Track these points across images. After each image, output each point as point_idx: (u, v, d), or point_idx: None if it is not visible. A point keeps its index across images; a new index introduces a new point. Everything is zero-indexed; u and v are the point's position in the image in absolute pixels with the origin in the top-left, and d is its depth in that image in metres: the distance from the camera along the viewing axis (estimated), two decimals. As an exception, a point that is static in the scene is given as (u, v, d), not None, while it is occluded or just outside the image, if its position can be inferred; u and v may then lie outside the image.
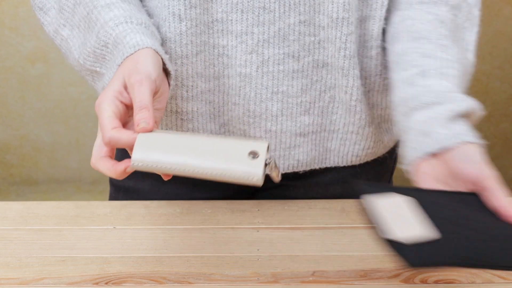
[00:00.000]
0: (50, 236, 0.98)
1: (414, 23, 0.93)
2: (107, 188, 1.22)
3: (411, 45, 0.92)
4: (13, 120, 1.98)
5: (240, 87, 0.96)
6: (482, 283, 0.90)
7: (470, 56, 0.94)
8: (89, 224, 1.00)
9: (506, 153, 2.05)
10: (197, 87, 0.96)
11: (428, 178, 0.83)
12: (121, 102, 0.81)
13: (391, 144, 1.09)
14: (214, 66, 0.96)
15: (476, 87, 1.96)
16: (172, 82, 0.89)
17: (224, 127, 1.00)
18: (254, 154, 0.78)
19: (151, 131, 0.78)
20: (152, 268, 0.92)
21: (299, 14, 0.94)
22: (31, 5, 1.01)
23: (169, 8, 0.92)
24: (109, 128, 0.78)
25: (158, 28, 0.94)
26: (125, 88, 0.82)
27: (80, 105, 1.95)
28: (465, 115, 0.85)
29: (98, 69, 0.92)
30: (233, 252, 0.94)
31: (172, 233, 0.98)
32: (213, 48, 0.95)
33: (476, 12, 0.96)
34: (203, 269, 0.92)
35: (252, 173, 0.77)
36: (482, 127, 2.01)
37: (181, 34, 0.93)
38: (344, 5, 0.92)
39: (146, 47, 0.85)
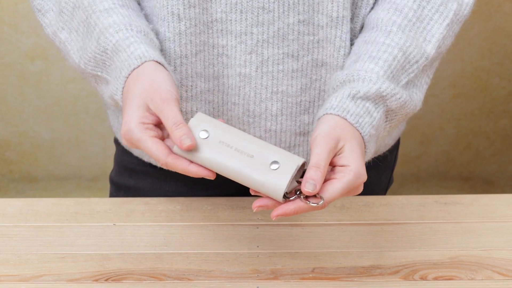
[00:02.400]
0: (49, 233, 0.98)
1: (372, 14, 0.94)
2: (106, 185, 1.22)
3: (363, 35, 0.94)
4: (12, 117, 1.97)
5: (239, 87, 0.96)
6: (482, 279, 0.90)
7: (429, 48, 0.93)
8: (89, 221, 1.00)
9: (506, 149, 2.05)
10: (196, 87, 0.96)
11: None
12: (149, 124, 0.82)
13: (391, 142, 1.09)
14: (213, 66, 0.96)
15: (475, 83, 1.95)
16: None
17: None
18: (276, 164, 0.79)
19: (194, 146, 0.80)
20: (152, 264, 0.92)
21: (298, 14, 0.94)
22: (30, 3, 1.01)
23: (167, 8, 0.92)
24: (165, 155, 0.80)
25: (157, 28, 0.94)
26: (147, 110, 0.83)
27: (79, 102, 1.95)
28: (371, 97, 0.86)
29: (99, 73, 0.92)
30: (233, 248, 0.94)
31: (172, 230, 0.98)
32: (213, 48, 0.95)
33: (452, 6, 0.94)
34: (203, 265, 0.92)
35: (275, 186, 0.78)
36: (482, 123, 2.01)
37: (180, 33, 0.93)
38: (344, 3, 0.92)
39: (152, 60, 0.86)
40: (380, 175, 1.14)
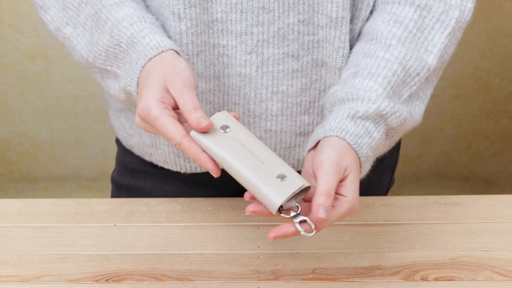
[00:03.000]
0: (50, 233, 0.98)
1: (371, 24, 0.94)
2: (107, 185, 1.22)
3: (361, 45, 0.94)
4: (12, 117, 1.97)
5: (240, 87, 0.96)
6: (482, 280, 0.90)
7: (431, 58, 0.92)
8: (89, 221, 1.00)
9: (506, 150, 2.05)
10: (197, 87, 0.96)
11: (306, 165, 0.85)
12: (167, 104, 0.83)
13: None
14: (214, 66, 0.96)
15: (476, 83, 1.95)
16: None
17: (225, 127, 1.00)
18: (282, 177, 0.79)
19: (211, 127, 0.81)
20: (152, 265, 0.92)
21: (298, 14, 0.94)
22: (31, 2, 1.01)
23: (169, 8, 0.92)
24: (181, 136, 0.81)
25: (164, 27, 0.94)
26: (167, 92, 0.83)
27: (79, 102, 1.95)
28: (371, 116, 0.86)
29: (109, 67, 0.92)
30: (234, 249, 0.94)
31: (172, 231, 0.98)
32: (213, 48, 0.95)
33: (454, 14, 0.94)
34: (203, 266, 0.92)
35: (273, 198, 0.78)
36: (482, 123, 2.01)
37: (181, 33, 0.93)
38: (344, 4, 0.92)
39: (170, 49, 0.87)
40: (381, 176, 1.14)
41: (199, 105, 0.82)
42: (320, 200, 0.78)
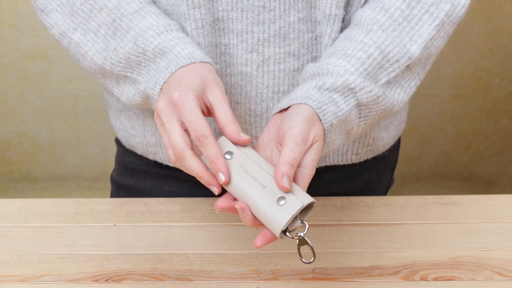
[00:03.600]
0: (49, 233, 0.98)
1: (359, 11, 0.94)
2: (107, 185, 1.22)
3: (345, 31, 0.93)
4: (12, 117, 1.97)
5: (241, 86, 0.96)
6: (482, 280, 0.90)
7: (414, 48, 0.91)
8: (89, 221, 1.00)
9: (506, 150, 2.05)
10: None
11: (270, 126, 0.85)
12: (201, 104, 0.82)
13: (390, 142, 1.09)
14: (216, 64, 0.96)
15: (475, 83, 1.95)
16: None
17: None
18: (282, 200, 0.79)
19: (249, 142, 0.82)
20: (152, 265, 0.92)
21: (298, 12, 0.94)
22: (31, 3, 1.01)
23: (178, 8, 0.93)
24: (208, 132, 0.79)
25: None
26: (203, 94, 0.83)
27: (79, 102, 1.95)
28: (339, 89, 0.85)
29: (129, 74, 0.92)
30: (233, 249, 0.94)
31: (172, 230, 0.98)
32: (216, 47, 0.95)
33: (444, 7, 0.93)
34: (203, 266, 0.92)
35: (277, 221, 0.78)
36: (482, 123, 2.01)
37: (186, 34, 0.92)
38: (338, 2, 0.92)
39: (202, 62, 0.86)
40: (381, 176, 1.14)
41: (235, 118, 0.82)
42: (284, 168, 0.78)
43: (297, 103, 0.84)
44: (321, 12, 0.93)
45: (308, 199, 0.78)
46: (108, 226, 0.99)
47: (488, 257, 0.93)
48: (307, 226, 0.79)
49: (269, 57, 0.95)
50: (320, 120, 0.83)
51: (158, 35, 0.89)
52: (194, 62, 0.86)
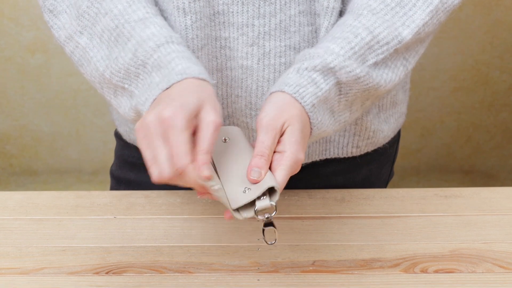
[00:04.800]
0: (50, 226, 0.98)
1: (353, 0, 0.93)
2: (107, 178, 1.22)
3: (340, 19, 0.93)
4: (12, 110, 1.97)
5: (242, 79, 0.96)
6: (482, 272, 0.90)
7: (406, 32, 0.90)
8: (89, 214, 1.00)
9: (507, 143, 2.05)
10: None
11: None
12: (191, 127, 0.78)
13: (390, 134, 1.09)
14: (217, 58, 0.96)
15: (476, 76, 1.95)
16: None
17: (228, 119, 1.00)
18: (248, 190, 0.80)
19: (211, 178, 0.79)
20: (152, 257, 0.92)
21: (299, 5, 0.94)
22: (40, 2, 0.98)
23: (173, 2, 0.92)
24: (189, 160, 0.76)
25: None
26: (195, 116, 0.78)
27: (80, 96, 1.95)
28: (318, 68, 0.85)
29: (127, 85, 0.88)
30: (234, 241, 0.94)
31: (172, 223, 0.98)
32: (216, 41, 0.95)
33: None
34: (203, 258, 0.92)
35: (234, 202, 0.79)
36: (482, 117, 2.01)
37: (186, 28, 0.92)
38: None
39: (195, 78, 0.82)
40: (381, 168, 1.14)
41: (211, 149, 0.78)
42: (253, 161, 0.79)
43: (274, 91, 0.84)
44: (320, 4, 0.93)
45: (270, 183, 0.79)
46: (109, 219, 0.99)
47: (488, 249, 0.93)
48: (275, 210, 0.79)
49: (269, 50, 0.95)
50: (300, 103, 0.83)
51: (158, 47, 0.85)
52: (186, 78, 0.82)
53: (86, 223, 0.98)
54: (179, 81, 0.81)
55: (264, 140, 0.80)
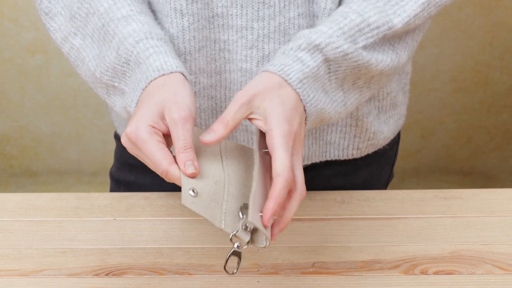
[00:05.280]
0: (50, 227, 0.98)
1: None
2: (107, 179, 1.22)
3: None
4: (12, 111, 1.97)
5: (241, 82, 0.96)
6: (482, 274, 0.90)
7: (397, 20, 0.89)
8: (89, 215, 1.00)
9: (507, 144, 2.05)
10: (199, 83, 0.96)
11: None
12: (158, 130, 0.79)
13: (390, 136, 1.09)
14: (215, 61, 0.96)
15: (476, 77, 1.95)
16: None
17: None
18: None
19: (197, 175, 0.78)
20: (152, 259, 0.92)
21: (298, 7, 0.94)
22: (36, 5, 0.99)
23: (170, 4, 0.92)
24: (168, 163, 0.77)
25: (162, 25, 0.93)
26: (161, 118, 0.80)
27: (79, 96, 1.95)
28: (303, 47, 0.84)
29: (116, 84, 0.89)
30: (233, 243, 0.94)
31: (172, 225, 0.98)
32: (214, 43, 0.95)
33: None
34: (204, 260, 0.92)
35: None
36: (482, 118, 2.01)
37: (183, 30, 0.92)
38: None
39: (174, 72, 0.83)
40: (381, 170, 1.14)
41: (190, 143, 0.78)
42: (213, 125, 0.78)
43: (257, 75, 0.83)
44: (318, 6, 0.93)
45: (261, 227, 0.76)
46: (108, 221, 0.99)
47: (488, 251, 0.93)
48: (247, 246, 0.77)
49: (269, 53, 0.95)
50: (285, 79, 0.82)
51: (137, 43, 0.86)
52: (163, 74, 0.82)
53: (86, 224, 0.98)
54: (156, 78, 0.82)
55: (229, 108, 0.79)
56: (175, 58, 0.85)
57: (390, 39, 0.91)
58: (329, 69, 0.86)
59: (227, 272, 0.79)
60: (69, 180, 2.08)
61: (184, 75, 0.84)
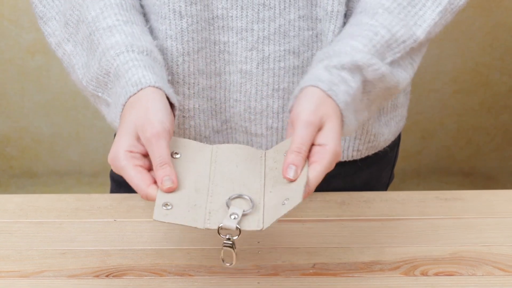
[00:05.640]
0: (50, 229, 0.98)
1: (364, 0, 0.93)
2: (107, 180, 1.22)
3: (349, 19, 0.93)
4: (12, 112, 1.97)
5: (241, 83, 0.96)
6: (483, 275, 0.90)
7: (419, 31, 0.91)
8: (89, 216, 1.00)
9: (507, 145, 2.05)
10: (198, 84, 0.96)
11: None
12: (136, 153, 0.80)
13: (391, 138, 1.09)
14: (215, 62, 0.96)
15: (476, 78, 1.95)
16: (177, 113, 0.87)
17: (226, 124, 1.00)
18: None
19: (175, 189, 0.79)
20: (153, 260, 0.92)
21: (298, 9, 0.94)
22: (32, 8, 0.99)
23: (169, 5, 0.92)
24: (146, 185, 0.78)
25: (156, 26, 0.93)
26: (137, 139, 0.81)
27: (79, 97, 1.95)
28: (346, 66, 0.85)
29: (100, 94, 0.90)
30: (234, 244, 0.94)
31: (172, 226, 0.98)
32: (214, 45, 0.95)
33: None
34: (204, 261, 0.92)
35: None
36: (482, 119, 2.01)
37: (182, 31, 0.92)
38: None
39: (149, 86, 0.83)
40: (381, 171, 1.14)
41: (166, 158, 0.79)
42: (290, 158, 0.78)
43: (307, 86, 0.83)
44: (322, 9, 0.93)
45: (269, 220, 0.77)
46: (109, 222, 0.99)
47: (488, 252, 0.93)
48: (239, 233, 0.78)
49: (269, 55, 0.95)
50: (335, 101, 0.82)
51: (118, 56, 0.86)
52: (142, 89, 0.83)
53: (86, 226, 0.98)
54: (134, 94, 0.83)
55: (303, 135, 0.79)
56: (154, 73, 0.85)
57: (416, 50, 0.92)
58: (364, 89, 0.87)
59: (224, 262, 0.80)
60: (69, 181, 2.08)
61: (159, 87, 0.83)
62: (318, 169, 0.79)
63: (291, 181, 0.78)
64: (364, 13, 0.91)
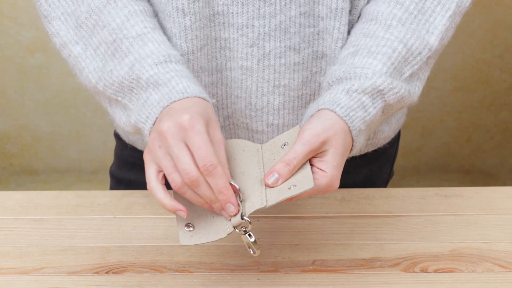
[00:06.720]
0: (50, 225, 0.98)
1: (372, 5, 0.94)
2: (107, 177, 1.22)
3: (360, 26, 0.93)
4: (12, 110, 1.97)
5: (242, 80, 0.96)
6: (482, 272, 0.90)
7: (432, 39, 0.92)
8: (89, 213, 1.00)
9: (507, 143, 2.05)
10: (201, 81, 0.96)
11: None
12: None
13: (391, 135, 1.09)
14: (216, 59, 0.96)
15: (476, 76, 1.95)
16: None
17: (228, 120, 1.00)
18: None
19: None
20: (153, 257, 0.92)
21: (299, 6, 0.94)
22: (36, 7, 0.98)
23: (172, 3, 0.92)
24: (216, 161, 0.78)
25: (164, 24, 0.93)
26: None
27: (80, 95, 1.95)
28: (368, 91, 0.86)
29: (120, 98, 0.89)
30: (234, 241, 0.94)
31: (172, 222, 0.98)
32: (215, 41, 0.95)
33: None
34: (204, 258, 0.92)
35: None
36: (482, 116, 2.01)
37: (186, 29, 0.92)
38: None
39: (195, 96, 0.84)
40: (381, 168, 1.14)
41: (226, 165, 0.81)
42: (277, 166, 0.81)
43: (324, 108, 0.85)
44: (325, 7, 0.93)
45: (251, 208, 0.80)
46: (109, 218, 0.99)
47: (488, 249, 0.93)
48: (250, 225, 0.81)
49: (269, 51, 0.95)
50: (349, 127, 0.84)
51: (156, 65, 0.86)
52: (187, 97, 0.83)
53: (86, 222, 0.98)
54: (180, 99, 0.83)
55: (299, 151, 0.81)
56: (197, 84, 0.86)
57: (431, 58, 0.93)
58: (382, 112, 0.89)
59: (254, 252, 0.83)
60: (69, 178, 2.08)
61: (204, 98, 0.84)
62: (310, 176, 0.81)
63: (269, 186, 0.81)
64: (376, 23, 0.92)
